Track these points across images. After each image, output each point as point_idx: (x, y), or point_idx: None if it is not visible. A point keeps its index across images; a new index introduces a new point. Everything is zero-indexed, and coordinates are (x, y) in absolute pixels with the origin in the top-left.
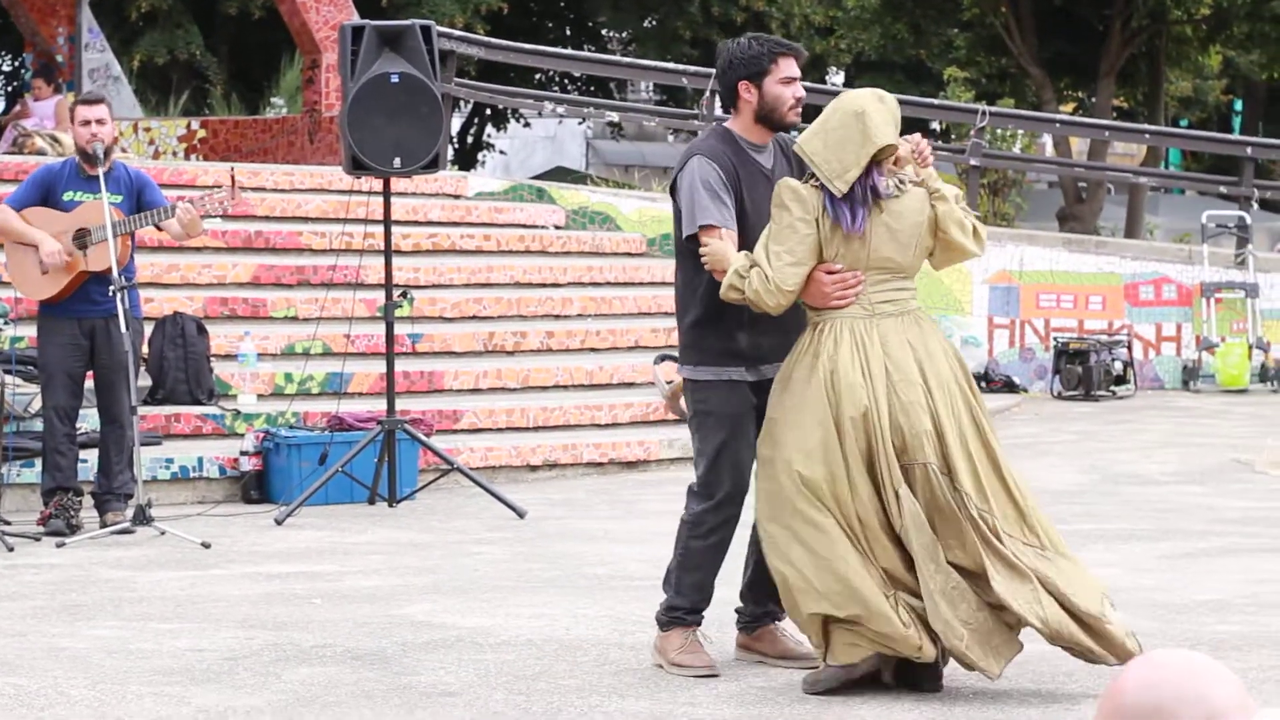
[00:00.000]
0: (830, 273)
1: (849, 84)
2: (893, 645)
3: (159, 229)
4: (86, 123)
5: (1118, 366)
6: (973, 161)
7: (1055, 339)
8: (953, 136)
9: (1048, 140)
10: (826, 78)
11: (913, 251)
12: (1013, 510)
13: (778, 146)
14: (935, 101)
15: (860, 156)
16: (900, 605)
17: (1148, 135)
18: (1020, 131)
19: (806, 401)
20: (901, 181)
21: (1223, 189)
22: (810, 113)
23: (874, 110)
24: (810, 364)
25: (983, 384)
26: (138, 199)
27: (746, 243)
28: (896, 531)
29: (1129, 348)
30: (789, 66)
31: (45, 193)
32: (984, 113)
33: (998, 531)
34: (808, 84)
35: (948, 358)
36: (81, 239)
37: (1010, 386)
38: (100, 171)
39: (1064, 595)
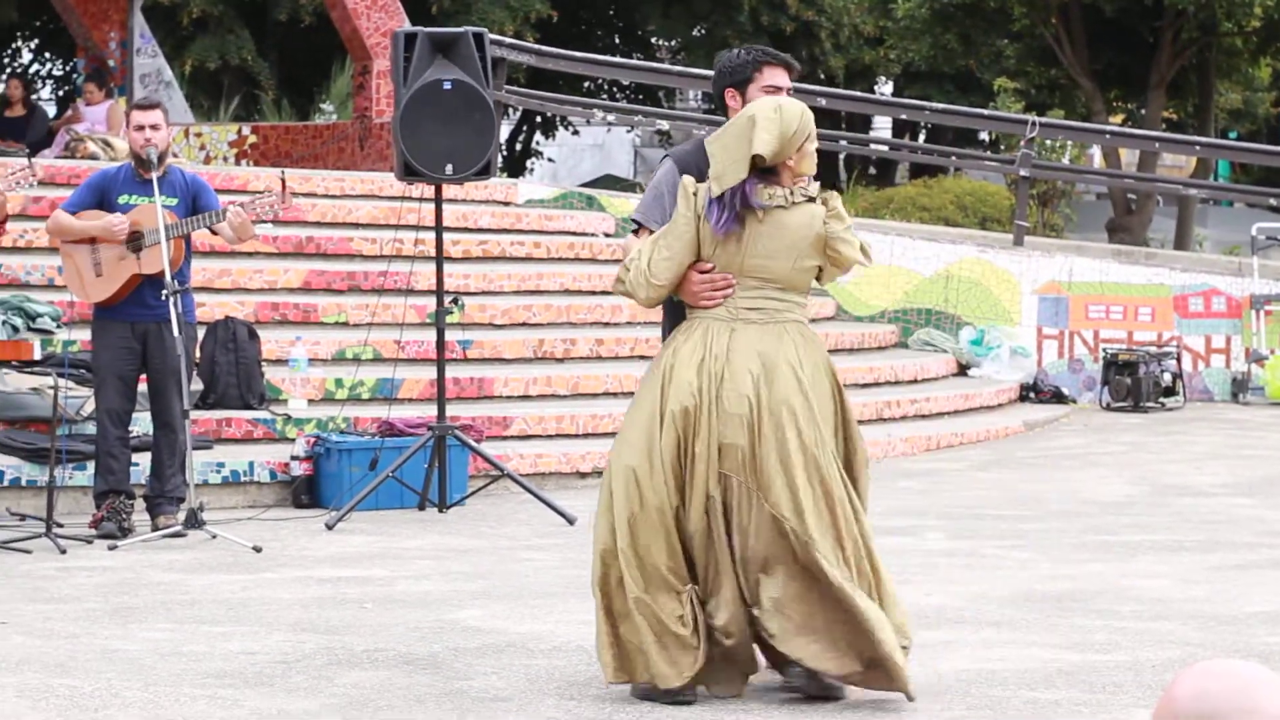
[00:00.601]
0: (703, 272)
1: (898, 94)
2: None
3: (213, 233)
4: (141, 127)
5: (1167, 378)
6: (1022, 172)
7: (1104, 350)
8: (1002, 147)
9: (1097, 151)
10: (875, 88)
11: (790, 264)
12: (830, 537)
13: None
14: (985, 112)
15: (740, 162)
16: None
17: (1197, 147)
18: (1070, 142)
19: (644, 393)
20: (791, 193)
21: (1272, 201)
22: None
23: (764, 119)
24: (659, 358)
25: (1031, 394)
26: (193, 203)
27: None
28: (688, 531)
29: (1178, 359)
30: (774, 76)
31: (100, 197)
32: (1033, 123)
33: (809, 548)
34: (858, 93)
35: (808, 376)
36: (135, 242)
37: (1059, 397)
38: (155, 176)
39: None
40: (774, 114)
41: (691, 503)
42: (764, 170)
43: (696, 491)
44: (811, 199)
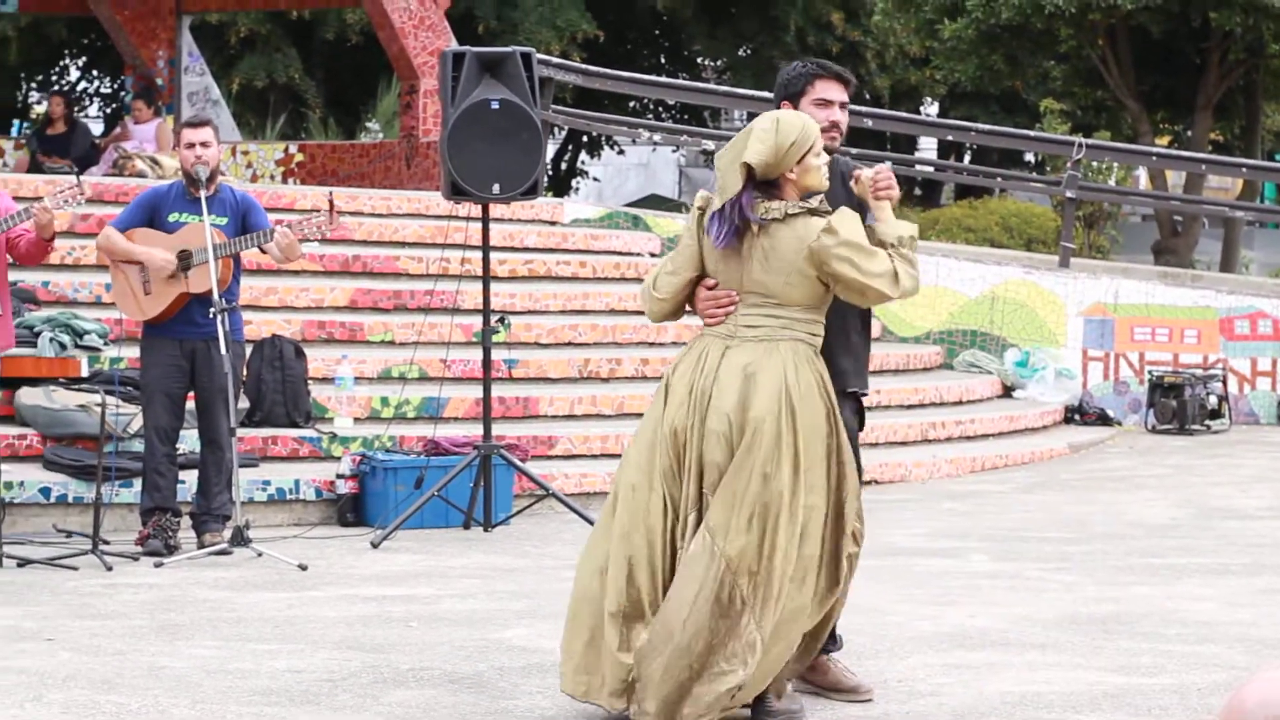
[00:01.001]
0: (709, 289)
1: (943, 115)
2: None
3: (262, 251)
4: (191, 145)
5: (1212, 401)
6: (1068, 194)
7: (1150, 372)
8: (1048, 168)
9: (1143, 173)
10: (921, 108)
11: (784, 280)
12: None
13: (837, 175)
14: (1031, 133)
15: (737, 175)
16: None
17: (1244, 169)
18: (1116, 164)
19: (649, 411)
20: (788, 206)
21: None
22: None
23: (759, 130)
24: (664, 376)
25: (1076, 416)
26: (243, 222)
27: None
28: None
29: (1224, 382)
30: (826, 89)
31: (150, 214)
32: (1080, 145)
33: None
34: (903, 114)
35: (798, 395)
36: (184, 260)
37: (1104, 419)
38: (204, 194)
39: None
40: (770, 125)
41: (686, 522)
42: (766, 184)
43: (681, 513)
44: (813, 212)
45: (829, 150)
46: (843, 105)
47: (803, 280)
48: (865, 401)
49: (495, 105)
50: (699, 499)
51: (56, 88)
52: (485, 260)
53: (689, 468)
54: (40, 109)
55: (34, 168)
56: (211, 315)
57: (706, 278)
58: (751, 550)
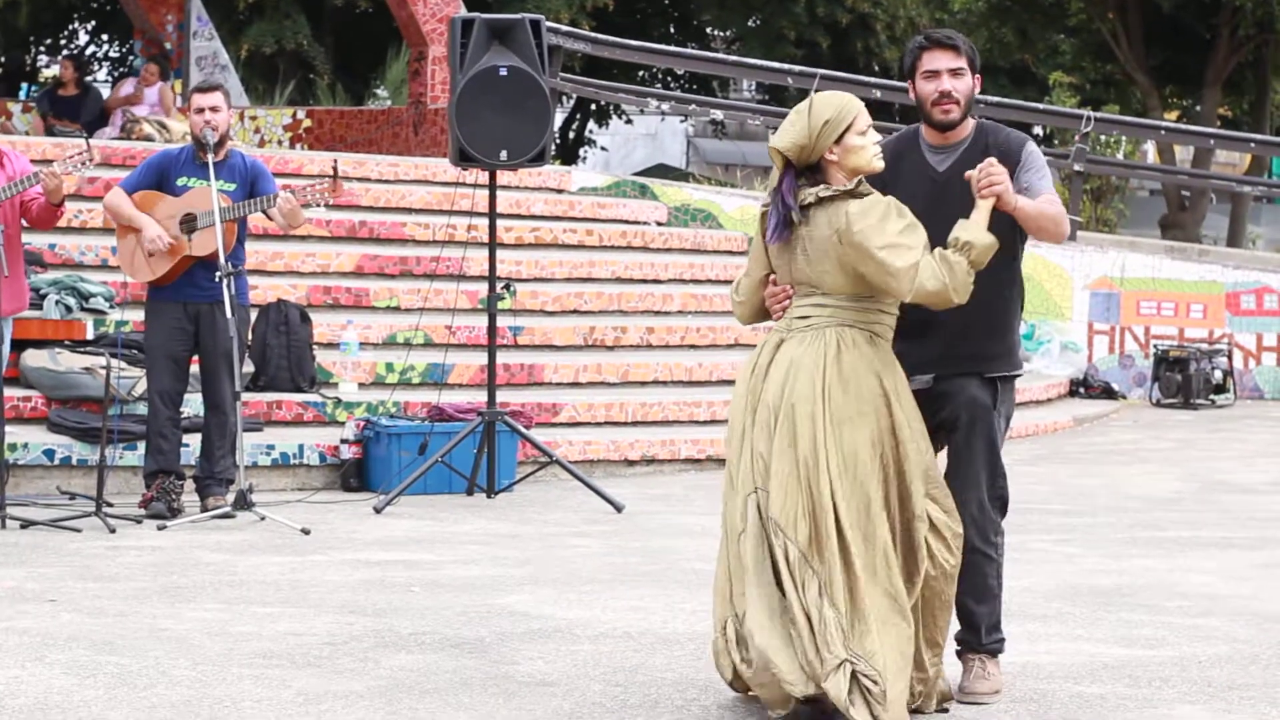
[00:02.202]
0: (773, 284)
1: None
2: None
3: (267, 217)
4: (201, 110)
5: (1217, 375)
6: (1076, 167)
7: (1155, 346)
8: (1056, 142)
9: (1151, 147)
10: None
11: (822, 267)
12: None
13: (980, 151)
14: (1040, 106)
15: (776, 162)
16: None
17: (1252, 144)
18: (1124, 138)
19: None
20: (822, 190)
21: None
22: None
23: (794, 112)
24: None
25: (1081, 390)
26: (251, 188)
27: None
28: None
29: (1229, 357)
30: (932, 59)
31: (160, 177)
32: (1088, 118)
33: (790, 562)
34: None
35: (842, 379)
36: (189, 224)
37: (1109, 393)
38: (213, 159)
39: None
40: (805, 106)
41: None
42: (810, 169)
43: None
44: (852, 194)
45: (938, 124)
46: (955, 72)
47: (837, 267)
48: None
49: (504, 72)
50: (754, 492)
51: (66, 51)
52: (491, 227)
53: (748, 462)
54: (49, 73)
55: (47, 130)
56: (217, 279)
57: (772, 274)
58: (807, 536)
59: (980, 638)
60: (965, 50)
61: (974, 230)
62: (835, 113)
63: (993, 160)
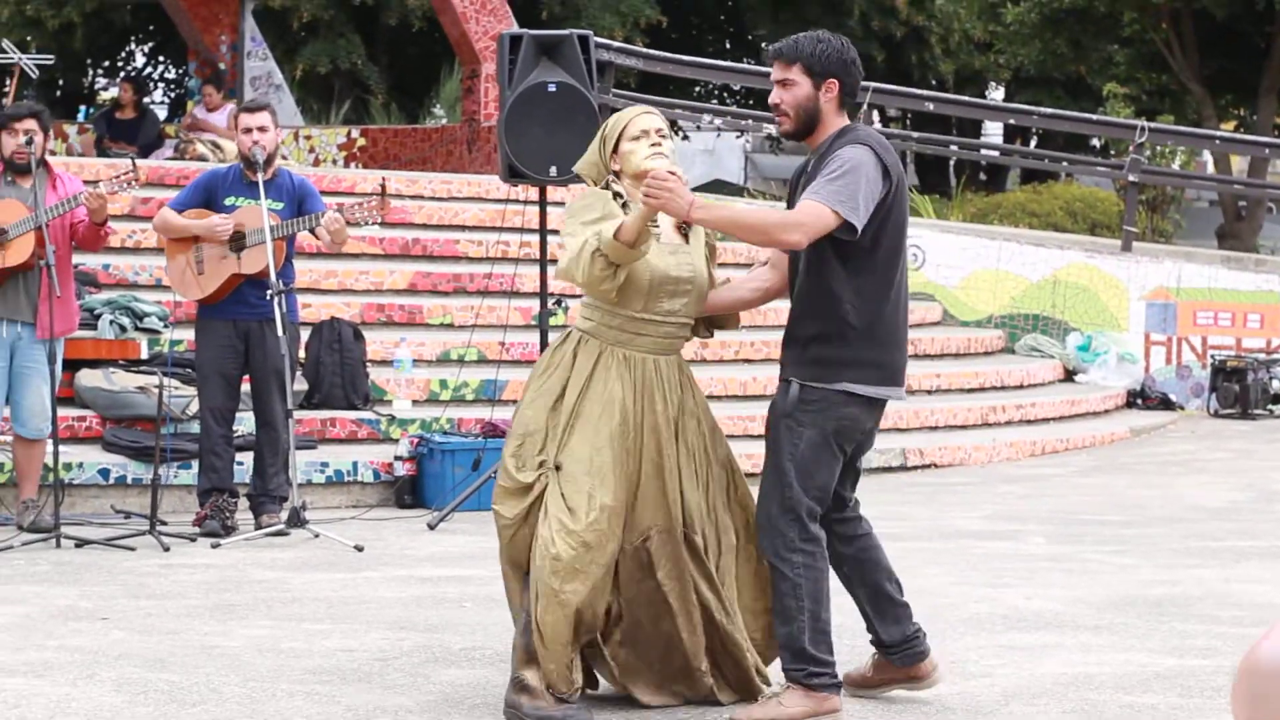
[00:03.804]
0: None
1: (1008, 99)
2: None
3: (314, 235)
4: (248, 129)
5: (1275, 385)
6: (1131, 177)
7: (1212, 356)
8: (1112, 152)
9: (1208, 158)
10: (986, 93)
11: None
12: None
13: (819, 157)
14: (1093, 117)
15: None
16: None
17: None
18: (1180, 148)
19: None
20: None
21: None
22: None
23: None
24: None
25: (1138, 401)
26: (299, 207)
27: None
28: None
29: None
30: (773, 73)
31: (207, 196)
32: (1143, 129)
33: None
34: (965, 98)
35: None
36: (238, 242)
37: (1166, 404)
38: (261, 178)
39: None
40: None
41: None
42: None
43: None
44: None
45: (782, 135)
46: (783, 83)
47: None
48: (924, 385)
49: (552, 88)
50: None
51: (124, 74)
52: (543, 243)
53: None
54: (106, 95)
55: (100, 153)
56: (268, 297)
57: None
58: None
59: (784, 661)
60: (799, 57)
61: (611, 227)
62: (608, 129)
63: (661, 173)
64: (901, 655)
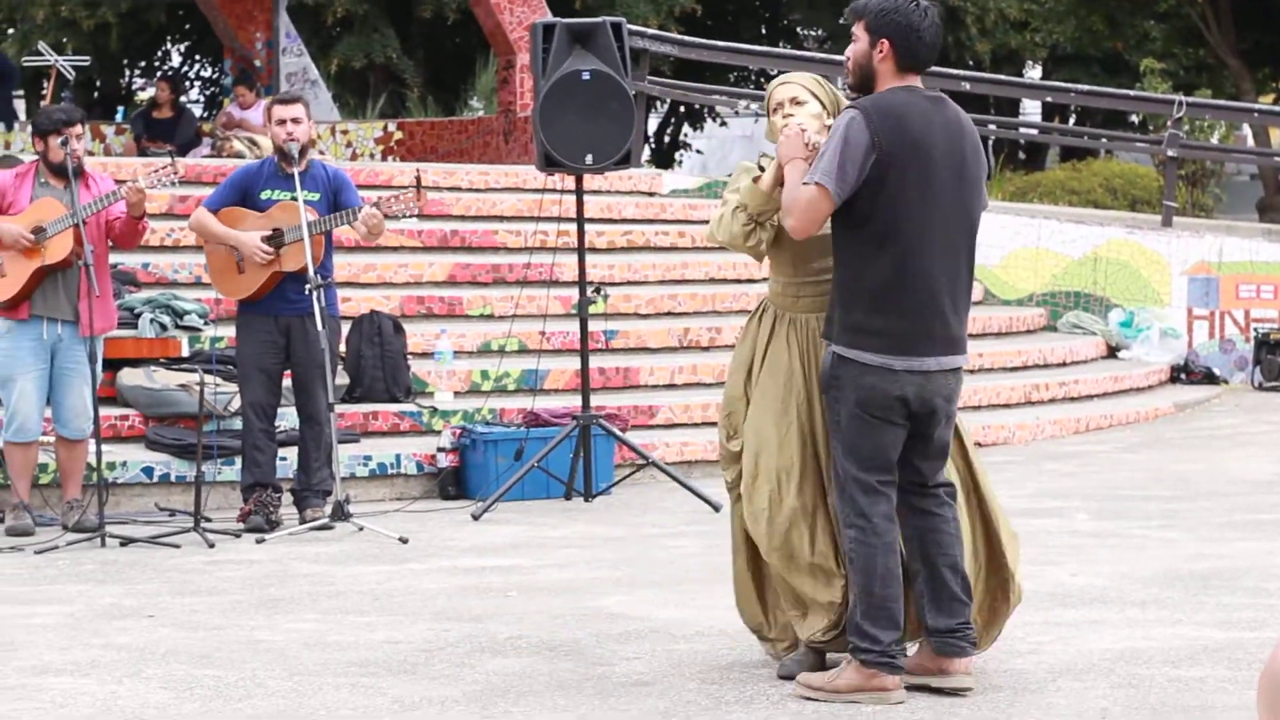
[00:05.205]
0: None
1: (1046, 77)
2: None
3: (351, 228)
4: (282, 122)
5: None
6: (1169, 152)
7: (1255, 330)
8: (1150, 128)
9: (1247, 131)
10: (1024, 71)
11: None
12: None
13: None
14: (1131, 93)
15: None
16: None
17: None
18: (1219, 122)
19: None
20: None
21: None
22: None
23: None
24: None
25: (1182, 376)
26: (334, 198)
27: None
28: None
29: None
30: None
31: (242, 193)
32: (1181, 103)
33: None
34: (1002, 77)
35: None
36: (276, 239)
37: (1210, 378)
38: (296, 170)
39: None
40: None
41: None
42: None
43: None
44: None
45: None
46: (853, 38)
47: None
48: (967, 365)
49: (586, 76)
50: None
51: (161, 73)
52: (580, 231)
53: None
54: (144, 95)
55: (139, 152)
56: (308, 292)
57: None
58: None
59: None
60: (864, 14)
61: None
62: (765, 100)
63: (790, 128)
64: (940, 642)
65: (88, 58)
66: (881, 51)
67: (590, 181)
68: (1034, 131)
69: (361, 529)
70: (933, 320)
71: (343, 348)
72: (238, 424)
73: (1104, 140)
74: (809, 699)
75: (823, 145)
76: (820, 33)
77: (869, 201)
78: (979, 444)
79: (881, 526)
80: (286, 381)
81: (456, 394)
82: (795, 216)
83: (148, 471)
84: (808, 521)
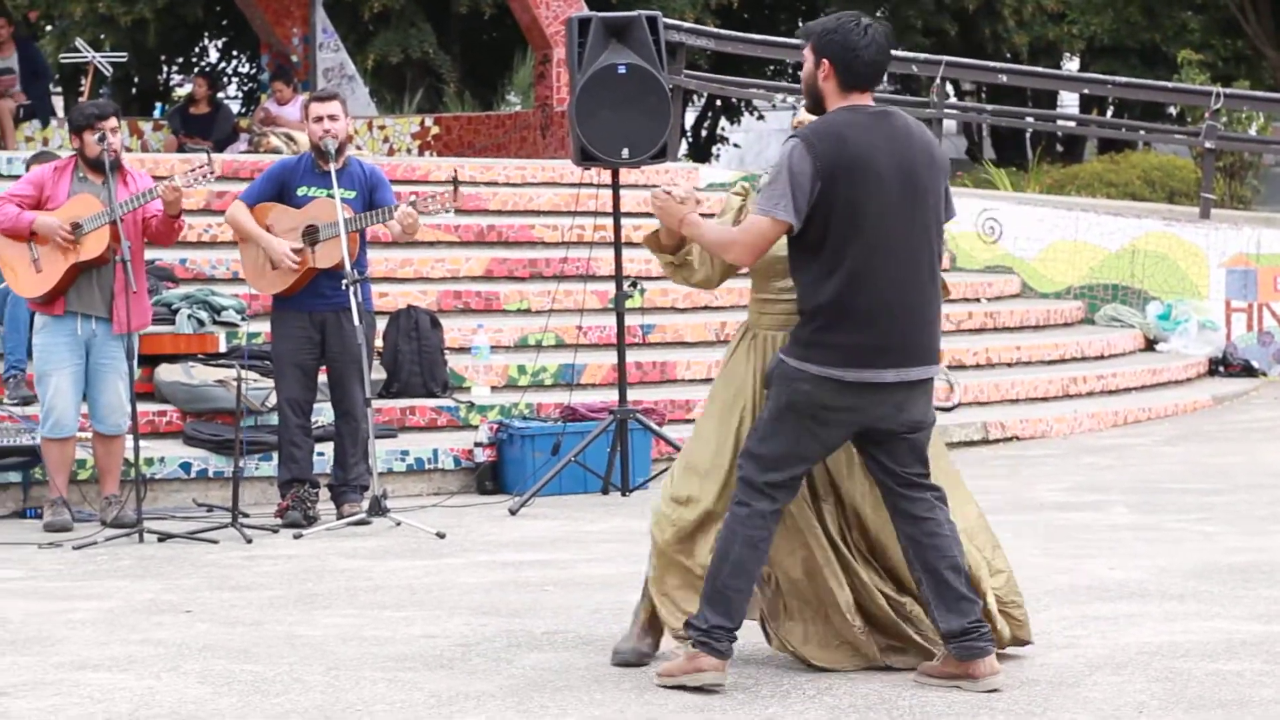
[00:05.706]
0: None
1: (1083, 69)
2: None
3: (386, 226)
4: (319, 119)
5: None
6: (1207, 144)
7: None
8: (1188, 120)
9: None
10: (1061, 64)
11: None
12: None
13: None
14: (1168, 84)
15: None
16: None
17: None
18: (1257, 113)
19: None
20: None
21: None
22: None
23: None
24: None
25: (1220, 368)
26: (370, 195)
27: None
28: None
29: None
30: None
31: (280, 188)
32: (1218, 95)
33: None
34: (1039, 69)
35: None
36: (311, 236)
37: (1248, 370)
38: (333, 167)
39: None
40: None
41: None
42: None
43: None
44: None
45: None
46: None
47: None
48: (1004, 358)
49: (622, 70)
50: None
51: (199, 69)
52: (616, 225)
53: None
54: (181, 91)
55: (177, 148)
56: (344, 287)
57: None
58: None
59: None
60: (809, 36)
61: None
62: None
63: (657, 191)
64: (959, 647)
65: (125, 54)
66: (824, 72)
67: (626, 175)
68: (1071, 124)
69: (399, 524)
70: (889, 332)
71: (380, 343)
72: (274, 419)
73: (1141, 132)
74: (667, 687)
75: (767, 180)
76: None
77: (819, 225)
78: (1017, 438)
79: (754, 520)
80: (323, 377)
81: (493, 389)
82: (735, 252)
83: (185, 467)
84: (715, 530)
